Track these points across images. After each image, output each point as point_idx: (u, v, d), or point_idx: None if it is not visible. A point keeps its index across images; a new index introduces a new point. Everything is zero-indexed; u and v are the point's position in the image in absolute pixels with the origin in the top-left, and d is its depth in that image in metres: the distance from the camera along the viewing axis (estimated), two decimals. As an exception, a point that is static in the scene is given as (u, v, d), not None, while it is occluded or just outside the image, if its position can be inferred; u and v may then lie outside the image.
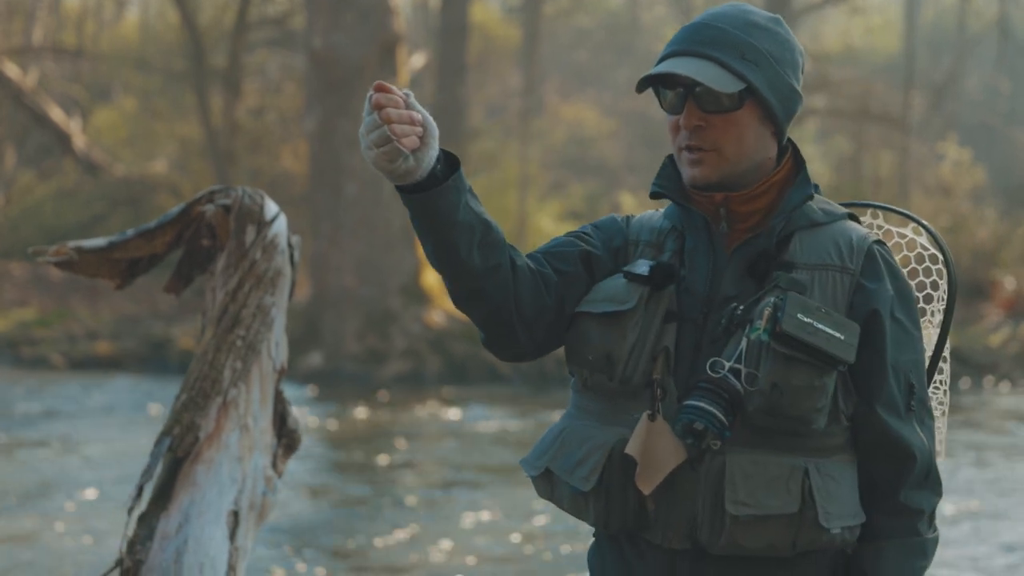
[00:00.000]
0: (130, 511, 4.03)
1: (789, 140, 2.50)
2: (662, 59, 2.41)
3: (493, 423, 12.74)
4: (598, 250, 2.50)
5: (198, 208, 4.26)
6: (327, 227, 16.80)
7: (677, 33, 2.43)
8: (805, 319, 2.30)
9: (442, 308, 16.96)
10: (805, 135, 28.59)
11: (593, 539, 2.56)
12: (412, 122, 2.25)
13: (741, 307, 2.36)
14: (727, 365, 2.31)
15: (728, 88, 2.35)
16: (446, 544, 8.01)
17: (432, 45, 24.79)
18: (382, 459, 11.20)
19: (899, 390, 2.38)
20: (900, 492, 2.38)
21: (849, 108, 24.16)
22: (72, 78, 26.10)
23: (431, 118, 2.28)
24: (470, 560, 7.67)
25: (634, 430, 2.36)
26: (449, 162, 2.33)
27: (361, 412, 13.77)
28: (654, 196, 2.48)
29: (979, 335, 18.16)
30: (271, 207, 4.27)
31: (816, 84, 24.98)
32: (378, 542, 8.10)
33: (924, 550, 2.39)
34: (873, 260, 2.40)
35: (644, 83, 2.41)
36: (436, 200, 2.29)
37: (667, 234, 2.48)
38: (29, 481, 9.85)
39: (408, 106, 2.25)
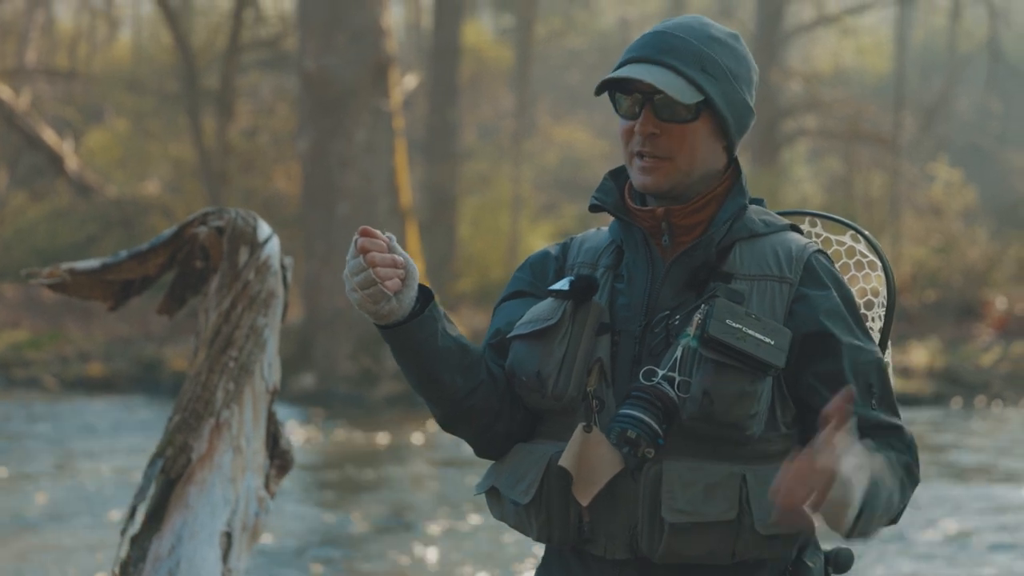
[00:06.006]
0: (123, 532, 4.04)
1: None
2: (621, 64, 2.41)
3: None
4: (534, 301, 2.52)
5: (191, 230, 4.27)
6: (320, 247, 16.82)
7: (637, 39, 2.44)
8: (734, 324, 2.30)
9: (435, 329, 16.93)
10: (796, 156, 28.67)
11: (540, 563, 2.55)
12: (395, 265, 2.32)
13: (678, 317, 2.37)
14: (660, 373, 2.32)
15: (687, 99, 2.36)
16: (437, 566, 8.00)
17: (424, 66, 24.85)
18: (374, 480, 11.19)
19: (859, 391, 2.38)
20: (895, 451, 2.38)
21: (840, 129, 24.22)
22: (65, 100, 26.12)
23: (411, 260, 2.36)
24: (463, 581, 7.68)
25: (568, 442, 2.37)
26: (423, 295, 2.39)
27: (353, 433, 13.76)
28: (593, 209, 2.51)
29: (971, 354, 18.19)
30: (264, 228, 4.29)
31: (807, 104, 25.06)
32: (369, 564, 8.09)
33: (905, 482, 2.35)
34: (813, 270, 2.41)
35: (603, 86, 2.42)
36: (416, 331, 2.36)
37: (603, 252, 2.50)
38: (21, 504, 9.83)
39: (391, 249, 2.33)
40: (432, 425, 14.13)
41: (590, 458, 2.35)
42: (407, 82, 21.93)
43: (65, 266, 4.28)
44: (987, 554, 8.36)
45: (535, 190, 25.19)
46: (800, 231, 2.54)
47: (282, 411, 4.46)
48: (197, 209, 4.44)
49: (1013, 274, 21.64)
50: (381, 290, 2.30)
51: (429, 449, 12.82)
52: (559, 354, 2.39)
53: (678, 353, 2.33)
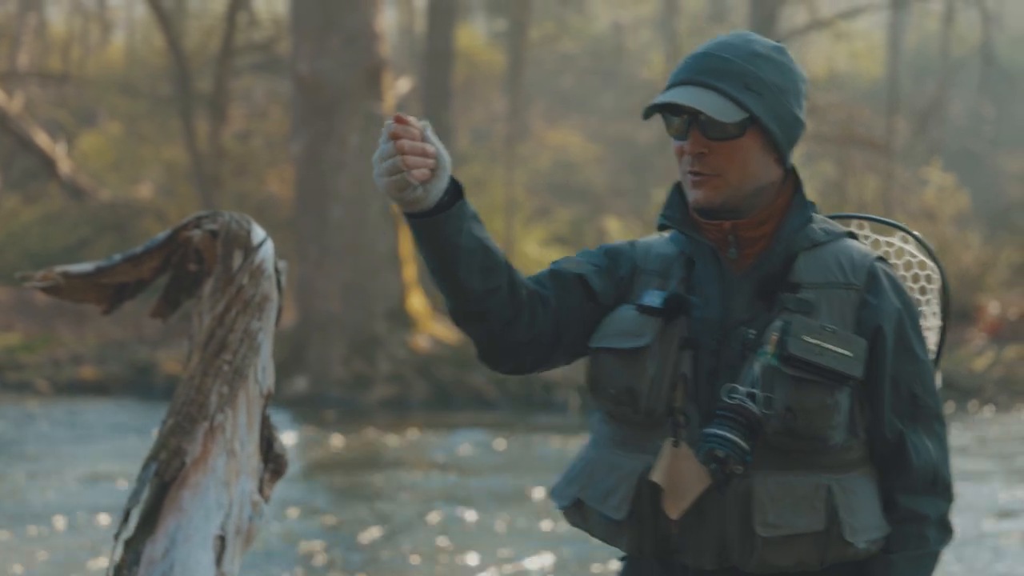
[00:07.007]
0: (116, 536, 4.03)
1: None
2: (669, 87, 2.47)
3: (479, 448, 12.74)
4: (602, 279, 2.54)
5: (185, 233, 4.26)
6: (313, 251, 16.81)
7: (682, 62, 2.49)
8: (812, 340, 2.37)
9: (428, 333, 16.95)
10: (792, 159, 28.70)
11: (623, 561, 2.60)
12: (424, 154, 2.33)
13: (753, 332, 2.43)
14: (742, 391, 2.38)
15: (730, 118, 2.41)
16: (430, 569, 8.00)
17: (417, 70, 24.85)
18: (367, 484, 11.19)
19: (900, 400, 2.46)
20: (904, 499, 2.46)
21: (833, 133, 24.25)
22: (58, 103, 26.10)
23: (445, 151, 2.36)
24: (456, 585, 7.68)
25: (658, 457, 2.42)
26: (455, 190, 2.40)
27: (347, 437, 13.75)
28: (661, 228, 2.55)
29: (964, 359, 18.21)
30: (258, 232, 4.28)
31: (801, 109, 25.06)
32: (362, 568, 8.09)
33: (932, 561, 2.48)
34: (876, 277, 2.47)
35: (650, 111, 2.46)
36: (439, 226, 2.37)
37: (673, 261, 2.54)
38: (13, 507, 9.82)
39: (424, 138, 2.34)
40: (424, 429, 14.14)
41: (679, 473, 2.40)
42: (400, 86, 21.94)
43: (59, 269, 4.27)
44: (994, 556, 8.38)
45: (528, 194, 25.19)
46: (856, 237, 2.60)
47: (276, 415, 4.46)
48: (190, 212, 4.46)
49: (1006, 279, 21.68)
50: (406, 178, 2.31)
51: (423, 453, 12.82)
52: (651, 372, 2.45)
53: (757, 369, 2.39)
